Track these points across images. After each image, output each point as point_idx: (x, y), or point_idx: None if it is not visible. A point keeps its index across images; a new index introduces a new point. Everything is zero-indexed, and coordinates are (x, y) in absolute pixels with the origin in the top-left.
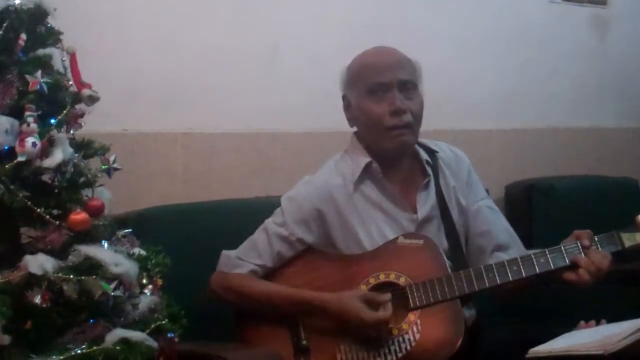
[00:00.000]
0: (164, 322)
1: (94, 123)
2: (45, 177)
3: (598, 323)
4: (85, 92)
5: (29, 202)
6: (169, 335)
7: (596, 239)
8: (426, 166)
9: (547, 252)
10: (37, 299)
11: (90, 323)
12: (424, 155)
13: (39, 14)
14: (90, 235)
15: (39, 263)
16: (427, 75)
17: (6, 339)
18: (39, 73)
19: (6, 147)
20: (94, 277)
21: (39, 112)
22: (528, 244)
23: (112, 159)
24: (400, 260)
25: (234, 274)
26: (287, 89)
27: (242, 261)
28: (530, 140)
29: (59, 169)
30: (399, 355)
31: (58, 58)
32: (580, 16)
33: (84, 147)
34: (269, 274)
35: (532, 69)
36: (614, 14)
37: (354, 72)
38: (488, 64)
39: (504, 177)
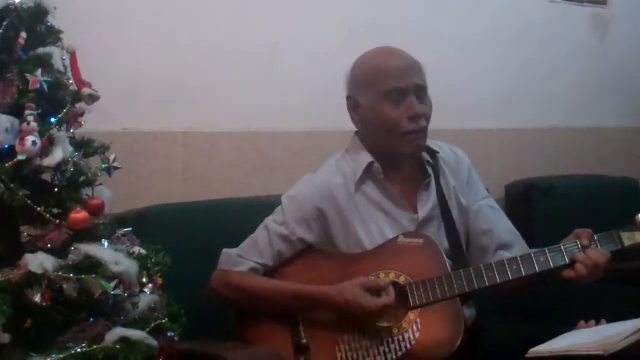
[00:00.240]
0: (163, 320)
1: (93, 122)
2: (45, 176)
3: (598, 323)
4: (85, 90)
5: (29, 201)
6: (168, 334)
7: (596, 238)
8: (427, 166)
9: (546, 250)
10: (37, 298)
11: (90, 322)
12: (425, 155)
13: (39, 13)
14: (90, 234)
15: (38, 261)
16: (427, 74)
17: (6, 338)
18: (39, 72)
19: (6, 146)
20: (93, 275)
21: (39, 111)
22: (528, 244)
23: (112, 157)
24: (400, 259)
25: (235, 271)
26: (287, 88)
27: (243, 259)
28: (530, 140)
29: (59, 167)
30: (399, 353)
31: (58, 57)
32: (580, 16)
33: (84, 146)
34: (269, 272)
35: (532, 69)
36: (614, 14)
37: (366, 75)
38: (488, 64)
39: (504, 176)
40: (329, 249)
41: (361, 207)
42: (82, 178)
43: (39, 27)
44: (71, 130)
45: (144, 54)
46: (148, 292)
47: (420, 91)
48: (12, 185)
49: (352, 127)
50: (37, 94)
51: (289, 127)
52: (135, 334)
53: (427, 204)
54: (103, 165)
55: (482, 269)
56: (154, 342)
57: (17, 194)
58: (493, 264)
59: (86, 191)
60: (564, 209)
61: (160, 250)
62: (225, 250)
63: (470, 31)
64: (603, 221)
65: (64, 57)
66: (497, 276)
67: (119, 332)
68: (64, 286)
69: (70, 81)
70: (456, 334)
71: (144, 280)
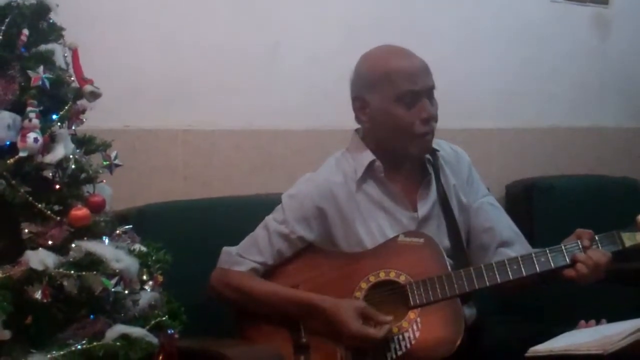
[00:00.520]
0: (164, 318)
1: (95, 119)
2: (47, 173)
3: (598, 322)
4: (87, 88)
5: (30, 198)
6: (169, 331)
7: (597, 238)
8: (427, 164)
9: (547, 251)
10: (38, 295)
11: (90, 319)
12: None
13: (41, 10)
14: (91, 231)
15: (39, 258)
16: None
17: (7, 334)
18: (41, 69)
19: (8, 143)
20: (94, 272)
21: (41, 108)
22: (529, 243)
23: (113, 155)
24: (400, 258)
25: (235, 271)
26: (288, 87)
27: (243, 258)
28: (531, 140)
29: (61, 164)
30: (399, 353)
31: (60, 54)
32: (582, 15)
33: (85, 143)
34: (270, 271)
35: (533, 68)
36: (615, 14)
37: (378, 76)
38: (489, 63)
39: (505, 176)
40: (330, 248)
41: (362, 206)
42: (83, 175)
43: (41, 24)
44: (73, 128)
45: (145, 52)
46: (148, 290)
47: (430, 92)
48: (13, 182)
49: (353, 126)
50: (39, 91)
51: (289, 126)
52: (136, 331)
53: (427, 202)
54: (104, 163)
55: (482, 268)
56: (154, 340)
57: (19, 191)
58: (494, 264)
59: (87, 188)
60: (565, 209)
61: (161, 248)
62: (225, 249)
63: (471, 30)
64: (603, 221)
65: (66, 55)
66: (497, 276)
67: (119, 329)
68: (65, 283)
69: (72, 78)
70: (456, 334)
71: (145, 277)
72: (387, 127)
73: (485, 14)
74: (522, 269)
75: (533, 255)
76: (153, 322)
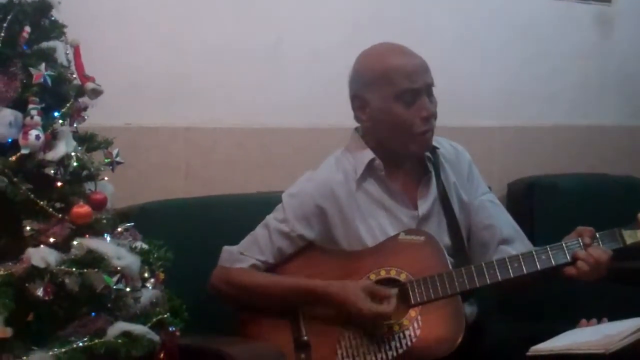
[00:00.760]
0: (165, 315)
1: (96, 117)
2: (48, 170)
3: (599, 321)
4: (89, 85)
5: (32, 195)
6: (170, 329)
7: (598, 236)
8: (427, 162)
9: (548, 248)
10: (40, 292)
11: (92, 316)
12: None
13: (43, 7)
14: (92, 229)
15: (41, 256)
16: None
17: (8, 331)
18: (42, 66)
19: (10, 140)
20: (96, 270)
21: (43, 105)
22: (530, 241)
23: (115, 152)
24: (401, 256)
25: (236, 268)
26: (290, 85)
27: (244, 256)
28: (532, 138)
29: (62, 162)
30: (400, 351)
31: (62, 51)
32: (584, 13)
33: (87, 141)
34: (270, 269)
35: (534, 66)
36: (618, 12)
37: (377, 74)
38: (490, 61)
39: (506, 174)
40: (330, 247)
41: (362, 205)
42: (85, 173)
43: (43, 22)
44: (74, 125)
45: (146, 49)
46: (150, 287)
47: (430, 90)
48: (15, 179)
49: (354, 124)
50: (41, 88)
51: (291, 124)
52: (137, 328)
53: (427, 200)
54: (106, 161)
55: (483, 266)
56: (155, 337)
57: (20, 188)
58: (495, 262)
59: (89, 186)
60: (566, 207)
61: (162, 245)
62: (226, 248)
63: (472, 28)
64: (605, 220)
65: (67, 52)
66: (498, 274)
67: (120, 326)
68: (67, 280)
69: (74, 75)
70: (457, 332)
71: (146, 275)
72: (387, 125)
73: (487, 12)
74: (523, 267)
75: (534, 252)
76: (154, 319)
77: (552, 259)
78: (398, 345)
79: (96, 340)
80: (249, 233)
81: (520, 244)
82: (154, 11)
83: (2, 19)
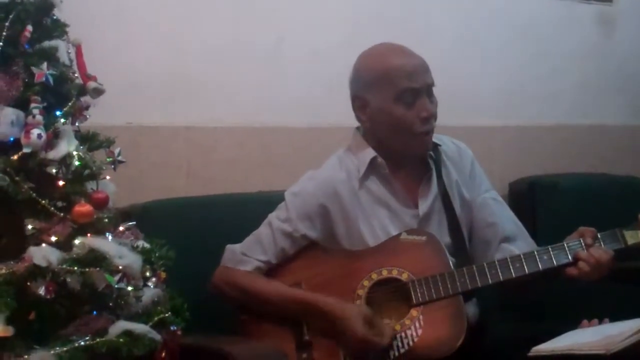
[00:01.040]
0: (167, 314)
1: (98, 116)
2: (50, 169)
3: (601, 322)
4: (91, 84)
5: (34, 194)
6: (172, 328)
7: (599, 236)
8: (429, 160)
9: (550, 249)
10: (41, 291)
11: (93, 315)
12: None
13: (45, 6)
14: (94, 228)
15: (43, 254)
16: (431, 71)
17: (10, 330)
18: (44, 65)
19: (12, 139)
20: (97, 269)
21: (45, 104)
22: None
23: (116, 151)
24: (402, 256)
25: (239, 270)
26: (291, 84)
27: (247, 257)
28: (534, 137)
29: (64, 161)
30: (401, 351)
31: (64, 50)
32: (586, 13)
33: (89, 140)
34: (272, 268)
35: (536, 66)
36: (619, 12)
37: (377, 74)
38: (492, 61)
39: (507, 174)
40: (332, 246)
41: (364, 204)
42: (86, 172)
43: (45, 21)
44: (76, 124)
45: (147, 49)
46: (152, 286)
47: (430, 90)
48: (17, 178)
49: (355, 123)
50: (43, 87)
51: (292, 123)
52: (139, 327)
53: (427, 199)
54: (108, 160)
55: (485, 266)
56: (157, 336)
57: (22, 187)
58: (496, 262)
59: (91, 185)
60: (568, 207)
61: (164, 244)
62: (229, 247)
63: (474, 28)
64: (606, 220)
65: (69, 51)
66: (500, 274)
67: (122, 325)
68: (68, 279)
69: (76, 75)
70: (458, 332)
71: (148, 274)
72: (387, 126)
73: (487, 12)
74: (525, 267)
75: (535, 253)
76: (156, 318)
77: (553, 259)
78: (399, 345)
79: (98, 339)
80: (250, 232)
81: (523, 242)
82: (155, 11)
83: (4, 18)
